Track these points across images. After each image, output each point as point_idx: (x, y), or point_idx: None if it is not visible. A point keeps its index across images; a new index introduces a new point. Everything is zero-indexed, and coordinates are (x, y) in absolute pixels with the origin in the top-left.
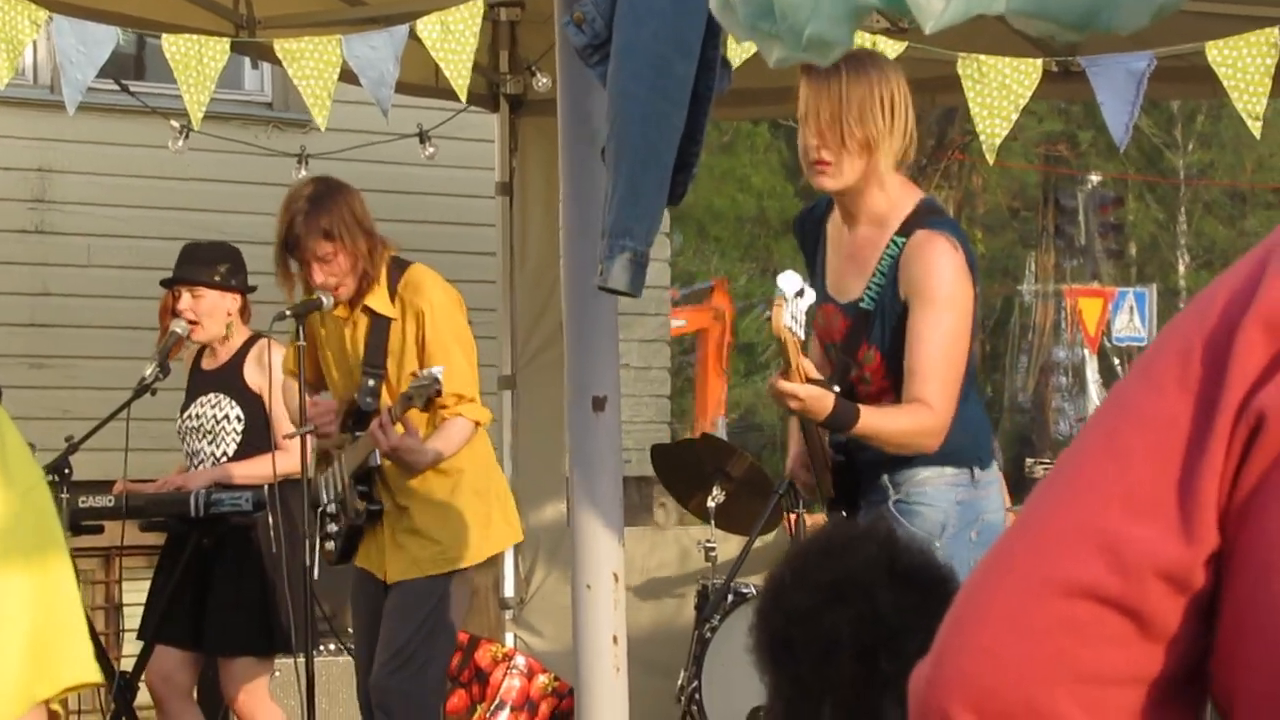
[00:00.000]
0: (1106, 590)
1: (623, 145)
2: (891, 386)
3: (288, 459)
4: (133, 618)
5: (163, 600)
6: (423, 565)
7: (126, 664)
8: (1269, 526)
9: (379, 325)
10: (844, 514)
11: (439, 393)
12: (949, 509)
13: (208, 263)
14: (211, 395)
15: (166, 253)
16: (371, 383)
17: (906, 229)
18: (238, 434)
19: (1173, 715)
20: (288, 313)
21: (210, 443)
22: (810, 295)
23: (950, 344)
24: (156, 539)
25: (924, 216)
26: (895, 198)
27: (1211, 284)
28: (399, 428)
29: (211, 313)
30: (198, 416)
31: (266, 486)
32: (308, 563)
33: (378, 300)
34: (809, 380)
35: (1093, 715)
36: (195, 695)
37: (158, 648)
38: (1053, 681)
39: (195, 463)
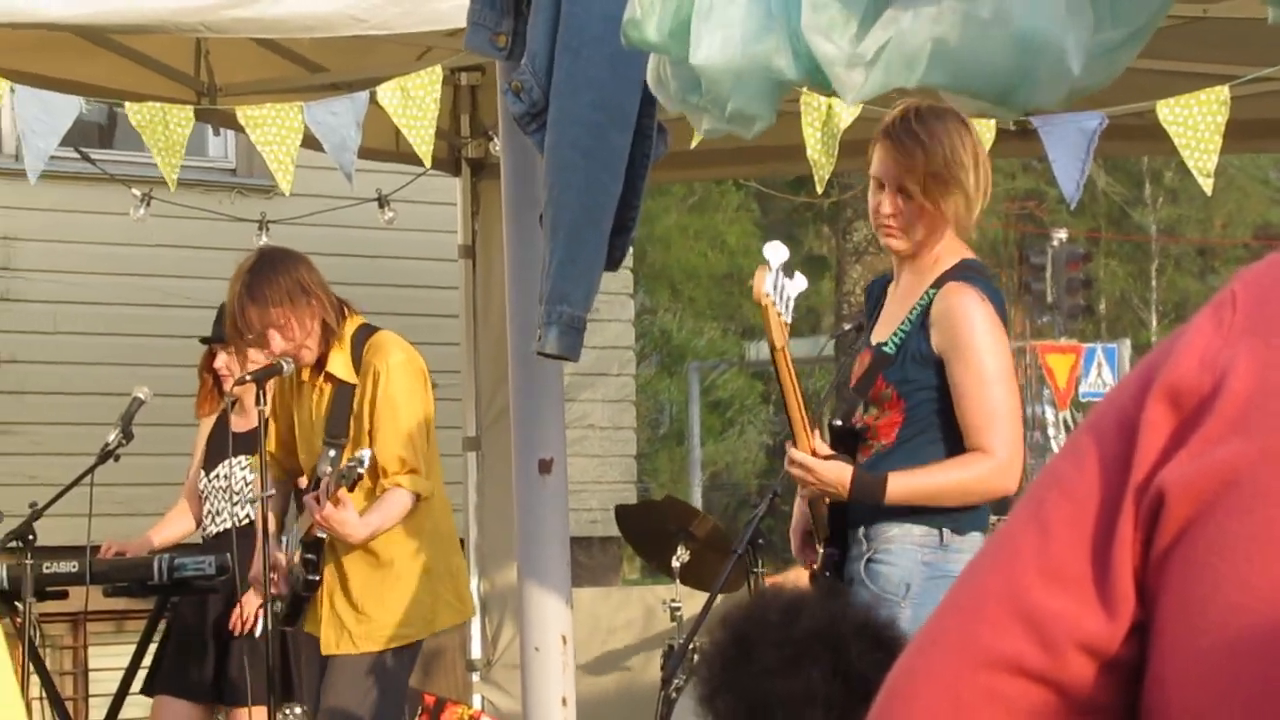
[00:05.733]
0: (1029, 663)
1: (560, 212)
2: (902, 424)
3: (183, 523)
4: (100, 682)
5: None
6: (356, 640)
7: None
8: (1180, 599)
9: (342, 392)
10: (836, 552)
11: (360, 477)
12: (913, 569)
13: None
14: (241, 458)
15: (130, 319)
16: (332, 453)
17: (940, 281)
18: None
19: None
20: (248, 378)
21: (233, 503)
22: (801, 281)
23: (997, 388)
24: (125, 604)
25: (959, 271)
26: (942, 254)
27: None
28: (332, 501)
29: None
30: (226, 478)
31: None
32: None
33: (340, 366)
34: (821, 456)
35: None
36: None
37: (162, 706)
38: None
39: (216, 522)
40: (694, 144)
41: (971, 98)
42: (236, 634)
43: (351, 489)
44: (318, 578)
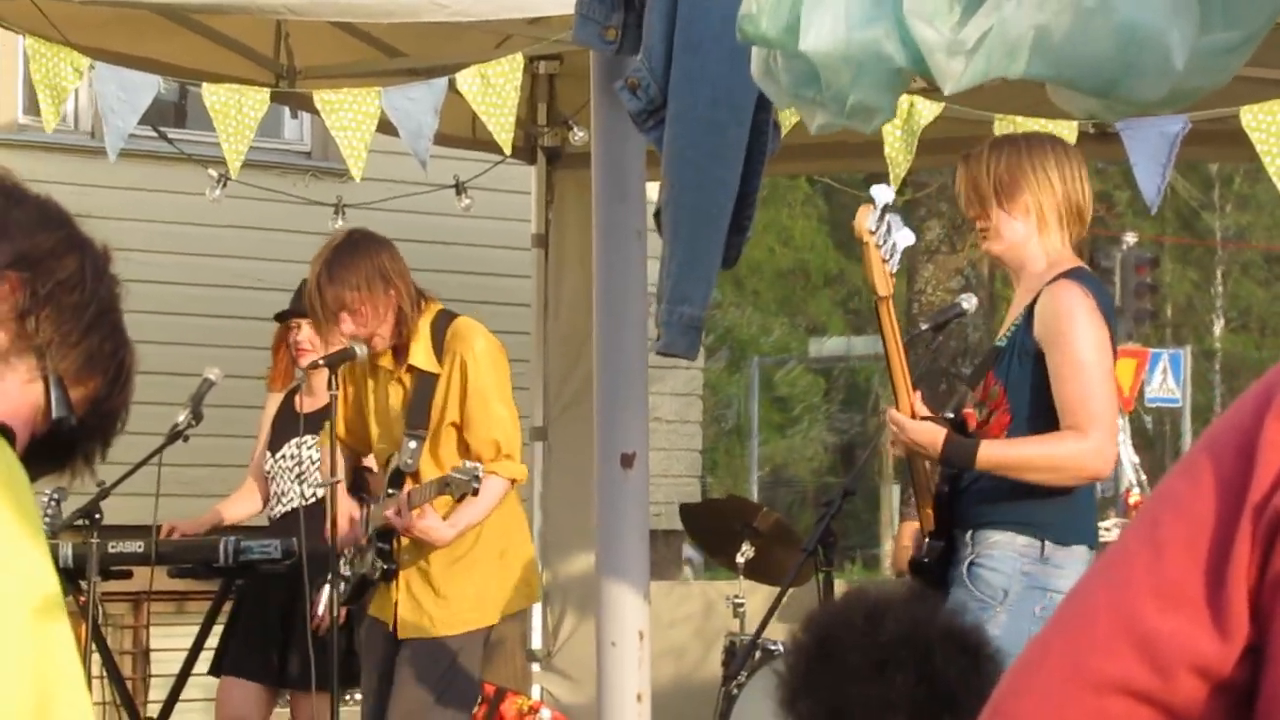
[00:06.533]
0: (1140, 685)
1: (680, 210)
2: (1009, 425)
3: (250, 503)
4: (160, 663)
5: (242, 635)
6: (436, 624)
7: (153, 710)
8: None
9: (424, 383)
10: (940, 543)
11: (476, 491)
12: (1013, 576)
13: None
14: (308, 438)
15: (203, 299)
16: (413, 445)
17: (1052, 281)
18: None
19: None
20: (320, 362)
21: (300, 483)
22: (909, 235)
23: (1092, 373)
24: (187, 585)
25: (1070, 274)
26: (1055, 260)
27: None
28: (416, 511)
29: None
30: (294, 458)
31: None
32: (320, 609)
33: (421, 356)
34: (920, 418)
35: None
36: None
37: (228, 687)
38: None
39: (283, 502)
40: None
41: (1072, 89)
42: (320, 634)
43: (459, 500)
44: (393, 566)
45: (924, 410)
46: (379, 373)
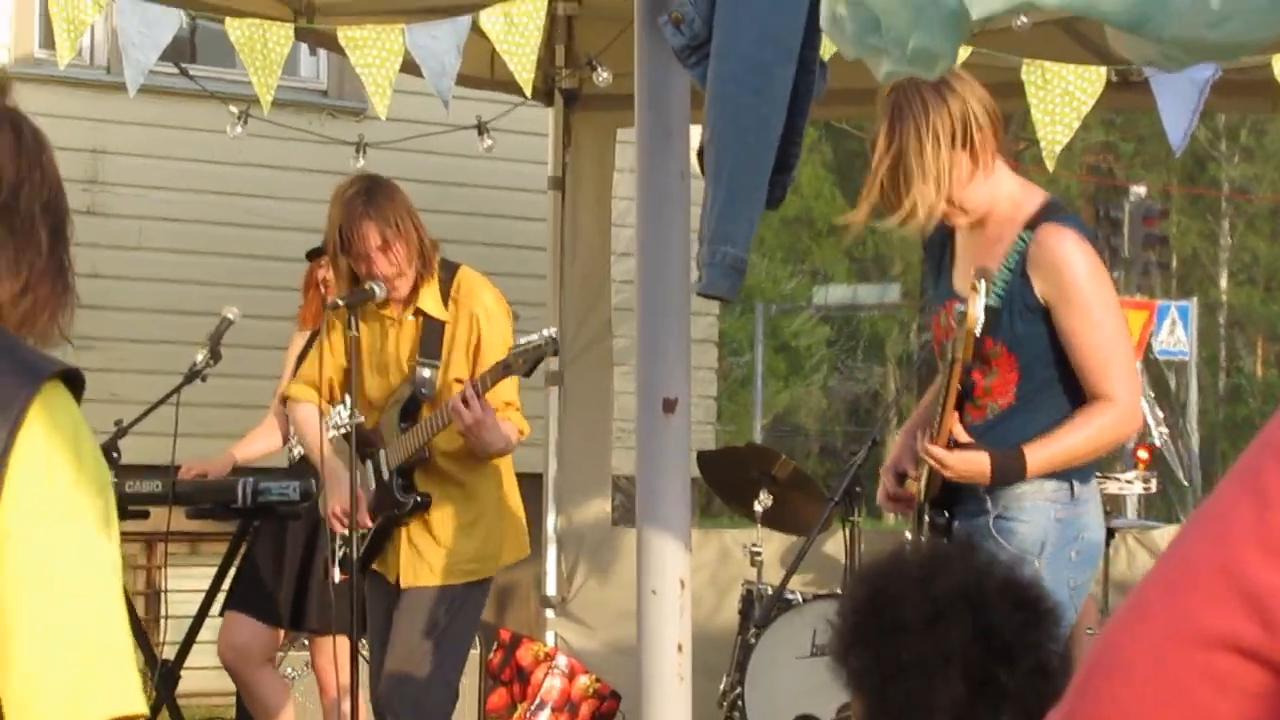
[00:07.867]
0: (1247, 641)
1: (723, 150)
2: (1019, 381)
3: (269, 439)
4: (174, 604)
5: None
6: (437, 573)
7: (169, 651)
8: None
9: (431, 327)
10: (945, 515)
11: (556, 351)
12: (1048, 526)
13: None
14: None
15: (217, 237)
16: (427, 373)
17: (1033, 224)
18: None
19: None
20: (340, 302)
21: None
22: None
23: (1110, 332)
24: (200, 526)
25: (1050, 213)
26: (1020, 198)
27: None
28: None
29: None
30: None
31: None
32: (331, 552)
33: (430, 302)
34: (957, 445)
35: None
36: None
37: (232, 620)
38: None
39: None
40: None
41: (1105, 22)
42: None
43: (529, 374)
44: (426, 496)
45: (962, 435)
46: (374, 320)
